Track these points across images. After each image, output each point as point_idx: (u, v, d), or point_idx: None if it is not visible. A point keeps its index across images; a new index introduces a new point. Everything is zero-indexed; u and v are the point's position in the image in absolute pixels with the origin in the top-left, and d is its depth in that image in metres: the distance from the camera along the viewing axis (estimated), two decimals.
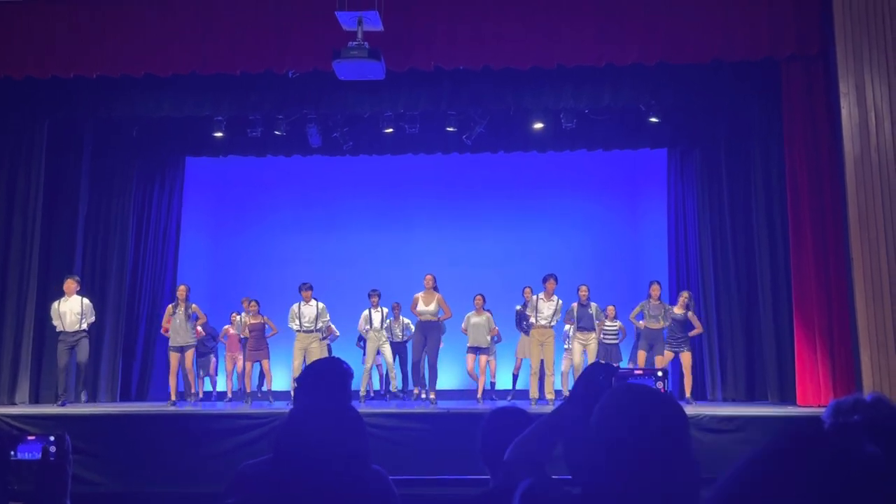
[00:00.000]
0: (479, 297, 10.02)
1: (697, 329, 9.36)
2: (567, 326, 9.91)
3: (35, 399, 9.41)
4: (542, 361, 9.23)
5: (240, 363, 10.47)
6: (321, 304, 9.59)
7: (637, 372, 1.81)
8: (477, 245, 12.48)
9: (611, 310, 9.99)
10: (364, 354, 11.55)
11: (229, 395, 10.67)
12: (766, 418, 7.37)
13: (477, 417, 6.16)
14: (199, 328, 10.05)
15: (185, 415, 8.13)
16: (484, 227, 12.64)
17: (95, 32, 8.59)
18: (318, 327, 9.50)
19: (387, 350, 10.01)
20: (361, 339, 11.58)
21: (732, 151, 10.12)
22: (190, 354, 9.57)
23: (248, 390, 9.88)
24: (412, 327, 10.08)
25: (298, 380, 2.41)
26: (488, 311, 10.08)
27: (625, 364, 9.80)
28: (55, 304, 9.07)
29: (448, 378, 11.62)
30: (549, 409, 6.05)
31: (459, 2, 8.47)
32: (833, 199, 8.12)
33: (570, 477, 1.54)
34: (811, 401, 7.95)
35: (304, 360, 9.18)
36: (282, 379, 10.80)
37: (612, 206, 12.83)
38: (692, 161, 11.11)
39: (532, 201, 12.69)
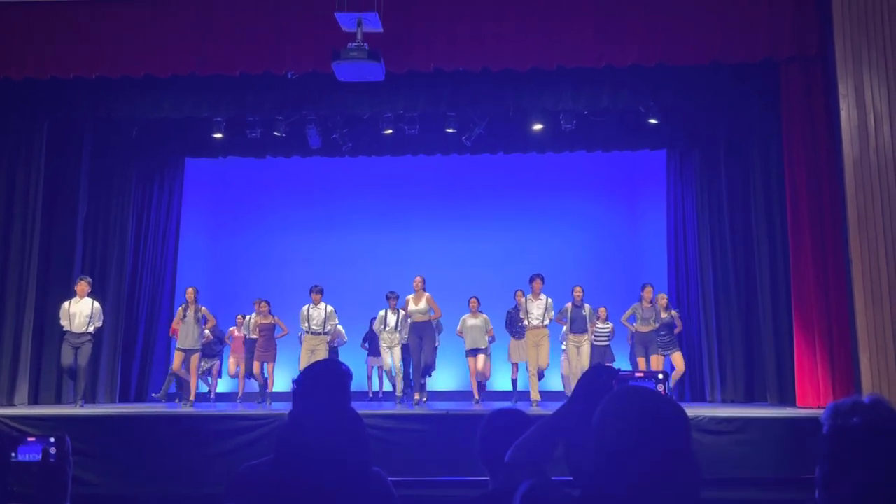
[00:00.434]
0: (473, 299, 10.02)
1: (679, 327, 9.59)
2: (564, 329, 9.93)
3: (34, 400, 9.41)
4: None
5: (243, 365, 10.44)
6: (330, 308, 9.67)
7: (638, 374, 1.83)
8: (477, 245, 12.47)
9: (602, 311, 10.02)
10: (368, 355, 11.55)
11: (240, 394, 10.64)
12: (766, 420, 7.37)
13: (476, 419, 6.15)
14: (207, 332, 10.04)
15: (185, 416, 8.11)
16: (483, 227, 12.63)
17: (95, 33, 8.59)
18: (325, 330, 9.55)
19: (397, 352, 10.02)
20: (366, 340, 11.57)
21: (731, 152, 10.12)
22: (195, 359, 9.57)
23: (270, 389, 9.80)
24: None
25: (296, 381, 2.40)
26: (482, 313, 10.04)
27: (618, 364, 9.79)
28: (66, 303, 9.10)
29: (447, 379, 11.62)
30: (548, 411, 6.05)
31: (459, 3, 8.47)
32: (832, 201, 8.12)
33: (570, 479, 1.55)
34: (810, 402, 7.95)
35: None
36: (283, 382, 10.79)
37: (611, 207, 12.83)
38: (691, 162, 11.12)
39: (531, 202, 12.69)
